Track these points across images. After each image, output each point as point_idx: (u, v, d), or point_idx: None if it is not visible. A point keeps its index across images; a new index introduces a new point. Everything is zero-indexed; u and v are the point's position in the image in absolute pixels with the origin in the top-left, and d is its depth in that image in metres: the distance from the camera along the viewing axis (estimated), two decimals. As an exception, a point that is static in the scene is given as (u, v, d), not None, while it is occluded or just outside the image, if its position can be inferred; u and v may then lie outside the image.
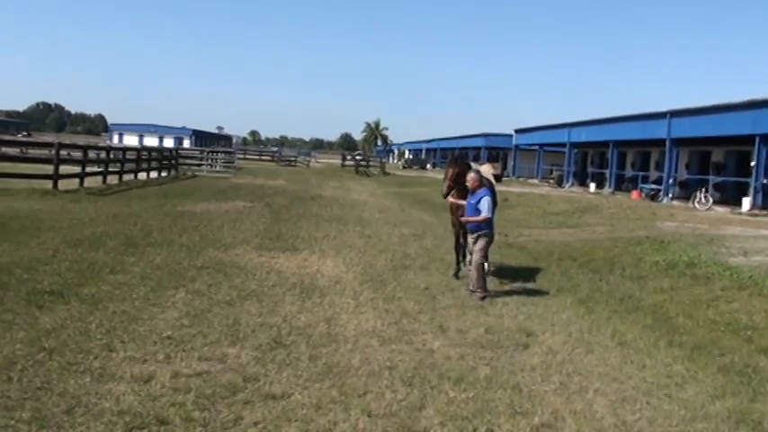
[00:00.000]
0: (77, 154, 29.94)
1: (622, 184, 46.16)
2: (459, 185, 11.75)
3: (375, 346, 7.60)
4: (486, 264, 11.75)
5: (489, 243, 11.00)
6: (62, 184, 22.79)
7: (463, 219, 11.10)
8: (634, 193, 39.12)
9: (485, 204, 10.65)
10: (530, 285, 11.94)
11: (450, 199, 11.99)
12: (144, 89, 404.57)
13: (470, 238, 11.07)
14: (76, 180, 24.25)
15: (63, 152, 26.08)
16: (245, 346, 7.14)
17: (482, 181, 11.19)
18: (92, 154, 30.35)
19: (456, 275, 12.11)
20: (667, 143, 38.15)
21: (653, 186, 39.68)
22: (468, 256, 11.44)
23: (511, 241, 17.91)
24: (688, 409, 6.28)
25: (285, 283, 10.55)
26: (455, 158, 12.67)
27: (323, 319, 8.53)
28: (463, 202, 11.36)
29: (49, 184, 22.38)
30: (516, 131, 70.00)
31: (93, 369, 6.12)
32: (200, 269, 11.05)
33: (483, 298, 10.37)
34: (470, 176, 11.07)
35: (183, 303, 8.75)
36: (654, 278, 12.71)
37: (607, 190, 44.17)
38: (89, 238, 13.06)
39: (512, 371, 7.02)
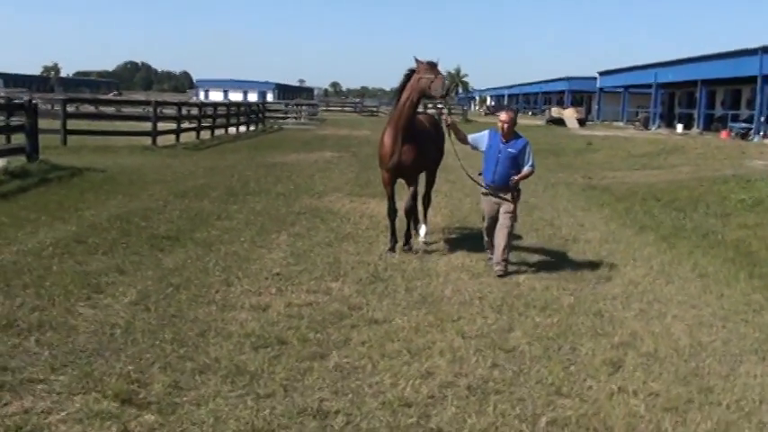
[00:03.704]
0: (169, 111, 31.27)
1: (711, 125, 45.00)
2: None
3: (465, 279, 8.19)
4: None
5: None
6: (159, 140, 24.01)
7: (517, 177, 8.47)
8: (723, 133, 38.20)
9: (529, 155, 8.59)
10: (612, 224, 12.25)
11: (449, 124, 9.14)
12: (226, 44, 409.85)
13: (484, 199, 8.85)
14: (172, 136, 25.46)
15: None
16: (346, 281, 7.84)
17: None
18: (184, 110, 31.62)
19: (392, 249, 9.42)
20: (759, 80, 36.98)
21: (743, 125, 38.66)
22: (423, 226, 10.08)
23: (594, 183, 18.15)
24: (763, 331, 6.64)
25: (378, 225, 11.19)
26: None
27: (415, 257, 9.16)
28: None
29: (147, 140, 23.57)
30: (600, 74, 68.63)
31: (216, 300, 6.92)
32: (298, 215, 11.84)
33: (503, 274, 8.32)
34: (506, 116, 8.59)
35: (287, 245, 9.54)
36: (738, 215, 12.82)
37: (695, 131, 43.19)
38: (193, 190, 14.03)
39: (594, 300, 7.51)
